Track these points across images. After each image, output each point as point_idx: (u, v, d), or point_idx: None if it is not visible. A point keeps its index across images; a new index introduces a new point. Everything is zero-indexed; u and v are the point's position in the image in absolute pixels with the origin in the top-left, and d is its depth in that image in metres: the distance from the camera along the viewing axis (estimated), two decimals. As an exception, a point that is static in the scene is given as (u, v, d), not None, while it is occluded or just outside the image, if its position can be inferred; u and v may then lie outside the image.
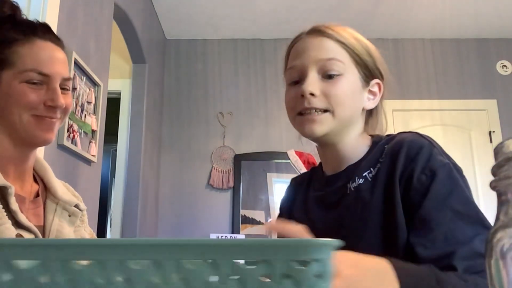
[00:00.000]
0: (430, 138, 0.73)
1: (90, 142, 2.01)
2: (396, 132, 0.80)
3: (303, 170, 3.48)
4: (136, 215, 2.93)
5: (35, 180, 0.92)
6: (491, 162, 0.30)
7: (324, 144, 0.80)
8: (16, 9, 0.88)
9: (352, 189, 0.75)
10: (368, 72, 0.79)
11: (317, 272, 0.26)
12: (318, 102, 0.74)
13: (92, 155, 2.01)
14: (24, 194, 0.85)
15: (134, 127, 3.08)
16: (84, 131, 1.93)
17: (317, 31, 0.79)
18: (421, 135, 0.73)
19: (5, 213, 0.76)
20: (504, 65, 3.76)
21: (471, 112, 3.63)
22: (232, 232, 3.39)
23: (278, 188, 3.55)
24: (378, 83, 0.81)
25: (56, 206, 0.89)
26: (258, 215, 3.45)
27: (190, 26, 3.63)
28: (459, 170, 0.70)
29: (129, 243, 0.27)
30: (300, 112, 0.77)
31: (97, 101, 2.08)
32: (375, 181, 0.72)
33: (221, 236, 3.26)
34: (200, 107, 3.69)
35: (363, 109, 0.80)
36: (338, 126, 0.76)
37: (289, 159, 3.53)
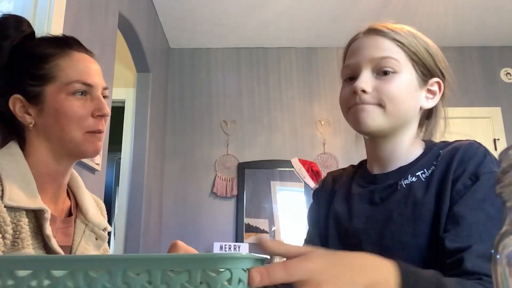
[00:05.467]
0: (486, 147, 0.73)
1: (94, 150, 2.01)
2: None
3: (307, 178, 3.48)
4: (140, 223, 2.92)
5: (68, 195, 0.90)
6: (496, 168, 0.30)
7: (379, 140, 0.80)
8: (32, 28, 0.88)
9: (404, 185, 0.76)
10: (427, 71, 0.78)
11: (227, 278, 0.32)
12: (369, 98, 0.75)
13: (96, 164, 2.01)
14: (56, 213, 0.84)
15: (138, 136, 3.09)
16: (88, 140, 1.93)
17: (373, 31, 0.81)
18: (479, 143, 0.74)
19: (37, 236, 0.75)
20: (508, 73, 3.75)
21: (476, 119, 3.61)
22: (236, 241, 3.36)
23: (282, 196, 3.53)
24: (438, 82, 0.80)
25: (85, 228, 0.88)
26: (262, 223, 3.43)
27: (194, 35, 3.66)
28: None
29: (87, 258, 0.38)
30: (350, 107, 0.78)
31: (101, 109, 2.08)
32: (429, 181, 0.73)
33: (225, 245, 3.24)
34: (204, 115, 3.70)
35: (420, 108, 0.80)
36: (392, 122, 0.76)
37: (293, 167, 3.53)
